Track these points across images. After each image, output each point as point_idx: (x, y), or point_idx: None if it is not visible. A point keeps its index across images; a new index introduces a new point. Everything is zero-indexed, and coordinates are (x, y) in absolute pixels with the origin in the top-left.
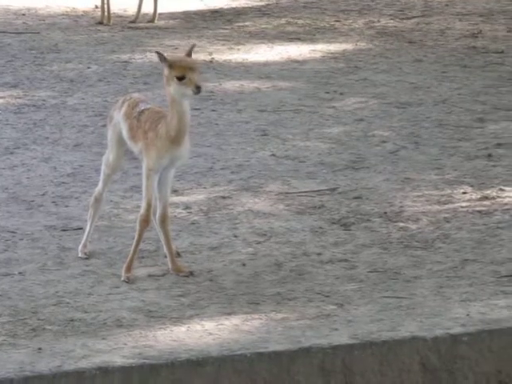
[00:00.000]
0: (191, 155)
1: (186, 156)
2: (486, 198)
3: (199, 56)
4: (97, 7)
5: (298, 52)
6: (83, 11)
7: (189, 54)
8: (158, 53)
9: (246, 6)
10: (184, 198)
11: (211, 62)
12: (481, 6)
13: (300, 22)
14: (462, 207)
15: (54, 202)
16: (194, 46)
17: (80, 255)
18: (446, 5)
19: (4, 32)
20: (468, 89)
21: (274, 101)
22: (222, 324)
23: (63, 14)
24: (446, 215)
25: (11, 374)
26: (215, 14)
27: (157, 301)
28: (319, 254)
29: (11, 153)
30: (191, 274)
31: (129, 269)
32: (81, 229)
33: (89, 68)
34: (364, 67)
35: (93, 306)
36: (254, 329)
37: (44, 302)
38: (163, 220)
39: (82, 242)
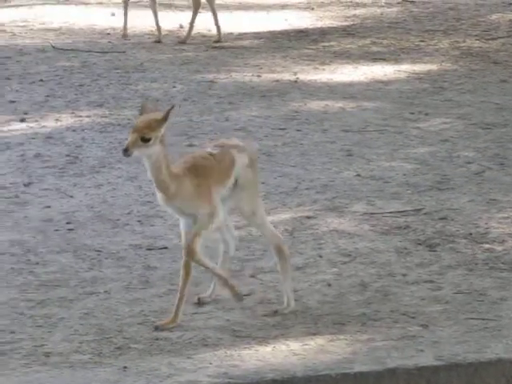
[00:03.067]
0: (275, 175)
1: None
2: None
3: (284, 76)
4: (181, 27)
5: (383, 72)
6: (168, 30)
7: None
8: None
9: (331, 25)
10: (269, 218)
11: (296, 81)
12: None
13: (385, 42)
14: None
15: (139, 221)
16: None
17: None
18: None
19: (90, 51)
20: None
21: (359, 121)
22: (307, 344)
23: (148, 34)
24: None
25: None
26: (300, 34)
27: (242, 320)
28: (404, 275)
29: (97, 172)
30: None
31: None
32: (166, 248)
33: (174, 87)
34: (449, 87)
35: (178, 325)
36: (339, 349)
37: (129, 321)
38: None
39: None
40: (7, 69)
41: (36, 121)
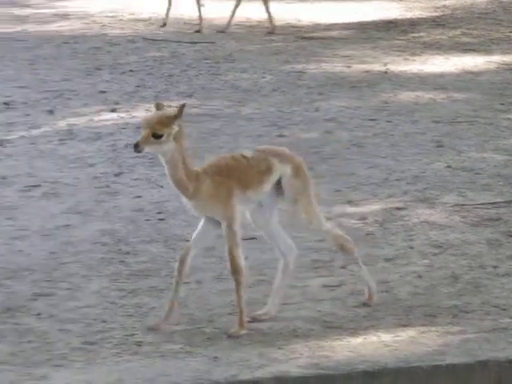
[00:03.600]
0: (366, 166)
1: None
2: None
3: (374, 67)
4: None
5: (474, 63)
6: (257, 21)
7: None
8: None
9: (421, 16)
10: (359, 209)
11: (386, 72)
12: None
13: (475, 32)
14: None
15: None
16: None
17: None
18: None
19: (179, 42)
20: None
21: (450, 112)
22: (398, 336)
23: (237, 24)
24: None
25: (188, 382)
26: (389, 25)
27: (332, 311)
28: (495, 267)
29: None
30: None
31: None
32: (254, 238)
33: (263, 78)
34: None
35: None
36: (430, 341)
37: (220, 311)
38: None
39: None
40: (98, 59)
41: (126, 111)
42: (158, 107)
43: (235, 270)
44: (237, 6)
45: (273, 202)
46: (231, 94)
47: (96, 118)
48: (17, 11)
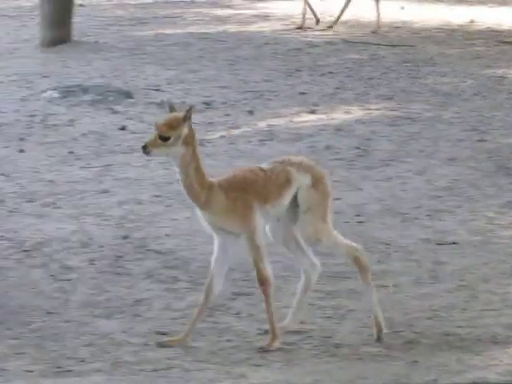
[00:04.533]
0: None
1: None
2: None
3: None
4: (472, 22)
5: None
6: (458, 25)
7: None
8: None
9: None
10: None
11: None
12: None
13: None
14: None
15: (428, 216)
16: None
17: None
18: None
19: (378, 44)
20: None
21: None
22: None
23: (438, 28)
24: None
25: None
26: None
27: None
28: None
29: (386, 165)
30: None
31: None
32: (455, 243)
33: (464, 82)
34: None
35: (467, 321)
36: None
37: (418, 315)
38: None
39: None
40: (298, 61)
41: (326, 113)
42: (171, 109)
43: (262, 282)
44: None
45: (292, 214)
46: (431, 98)
47: (295, 119)
48: (219, 12)
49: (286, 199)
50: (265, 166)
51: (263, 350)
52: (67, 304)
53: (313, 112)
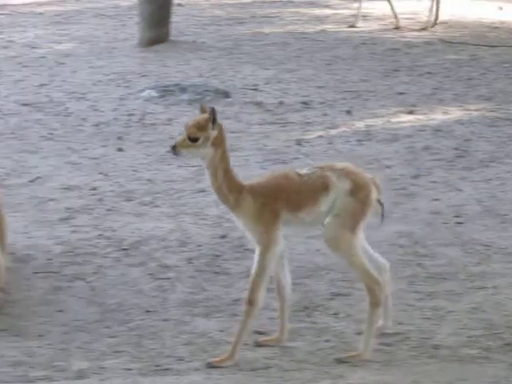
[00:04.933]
0: None
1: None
2: None
3: None
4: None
5: None
6: None
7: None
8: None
9: None
10: None
11: None
12: None
13: None
14: None
15: None
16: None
17: None
18: None
19: (477, 45)
20: None
21: None
22: None
23: None
24: None
25: None
26: None
27: None
28: None
29: (486, 166)
30: None
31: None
32: None
33: None
34: None
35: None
36: None
37: None
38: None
39: None
40: (396, 61)
41: (424, 113)
42: (202, 110)
43: (250, 302)
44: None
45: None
46: None
47: (393, 120)
48: (316, 11)
49: (324, 206)
50: (304, 171)
51: (210, 366)
52: (165, 303)
53: (411, 112)
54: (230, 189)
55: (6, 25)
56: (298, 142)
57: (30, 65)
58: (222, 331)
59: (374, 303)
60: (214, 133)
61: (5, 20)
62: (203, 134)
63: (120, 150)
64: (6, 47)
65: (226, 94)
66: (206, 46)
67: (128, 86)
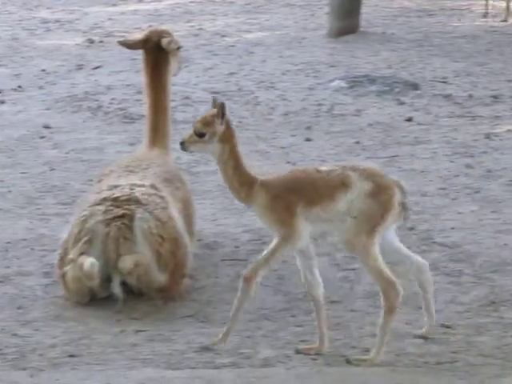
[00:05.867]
0: None
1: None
2: None
3: None
4: None
5: None
6: None
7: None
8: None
9: None
10: None
11: None
12: None
13: None
14: None
15: None
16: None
17: None
18: None
19: None
20: None
21: None
22: None
23: None
24: None
25: None
26: None
27: None
28: None
29: None
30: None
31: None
32: None
33: None
34: None
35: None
36: None
37: None
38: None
39: None
40: None
41: None
42: (215, 105)
43: (248, 279)
44: None
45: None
46: None
47: None
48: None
49: (341, 204)
50: (324, 168)
51: (207, 349)
52: (351, 293)
53: None
54: (241, 183)
55: (196, 13)
56: (487, 136)
57: (219, 53)
58: (408, 324)
59: (389, 309)
60: (221, 128)
61: (195, 8)
62: (210, 129)
63: (308, 139)
64: (196, 35)
65: (415, 86)
66: (396, 37)
67: (317, 76)
